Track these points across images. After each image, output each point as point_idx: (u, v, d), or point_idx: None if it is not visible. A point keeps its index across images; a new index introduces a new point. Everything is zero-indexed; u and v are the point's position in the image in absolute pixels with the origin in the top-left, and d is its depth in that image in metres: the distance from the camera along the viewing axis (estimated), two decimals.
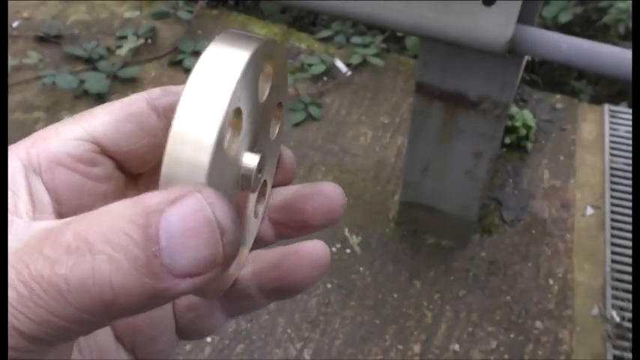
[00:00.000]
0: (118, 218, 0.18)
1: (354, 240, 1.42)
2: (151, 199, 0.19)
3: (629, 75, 0.82)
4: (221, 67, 0.20)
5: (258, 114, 0.23)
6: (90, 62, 1.79)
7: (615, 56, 0.86)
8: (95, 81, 1.70)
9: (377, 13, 0.91)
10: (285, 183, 0.29)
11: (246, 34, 0.22)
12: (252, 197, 0.26)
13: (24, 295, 0.17)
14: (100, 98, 1.67)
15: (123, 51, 1.80)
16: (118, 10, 2.00)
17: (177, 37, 1.90)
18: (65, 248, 0.18)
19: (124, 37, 1.86)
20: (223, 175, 0.21)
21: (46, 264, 0.18)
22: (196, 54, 1.80)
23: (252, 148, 0.24)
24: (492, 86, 1.04)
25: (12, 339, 0.18)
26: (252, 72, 0.21)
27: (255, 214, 0.27)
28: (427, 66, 1.07)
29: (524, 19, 0.88)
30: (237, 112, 0.21)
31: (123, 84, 1.74)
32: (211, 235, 0.19)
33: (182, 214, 0.18)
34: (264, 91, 0.23)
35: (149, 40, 1.88)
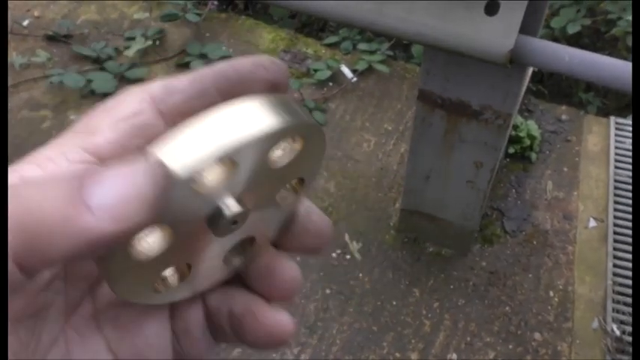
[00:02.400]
0: None
1: (354, 246, 1.42)
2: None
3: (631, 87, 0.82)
4: (247, 119, 0.22)
5: (263, 176, 0.24)
6: (98, 62, 1.80)
7: (618, 68, 0.85)
8: (102, 81, 1.72)
9: (380, 21, 0.91)
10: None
11: (294, 107, 0.23)
12: (224, 243, 0.26)
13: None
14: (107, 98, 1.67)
15: (131, 52, 1.81)
16: (128, 11, 2.01)
17: (185, 39, 1.91)
18: None
19: (132, 38, 1.87)
20: (187, 198, 0.22)
21: None
22: (203, 57, 1.81)
23: (241, 200, 0.24)
24: (494, 96, 1.03)
25: None
26: (270, 140, 0.23)
27: (226, 261, 0.27)
28: (429, 74, 1.06)
29: (527, 29, 0.88)
30: (232, 162, 0.22)
31: (130, 85, 1.74)
32: None
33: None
34: (282, 161, 0.24)
35: (157, 42, 1.89)
